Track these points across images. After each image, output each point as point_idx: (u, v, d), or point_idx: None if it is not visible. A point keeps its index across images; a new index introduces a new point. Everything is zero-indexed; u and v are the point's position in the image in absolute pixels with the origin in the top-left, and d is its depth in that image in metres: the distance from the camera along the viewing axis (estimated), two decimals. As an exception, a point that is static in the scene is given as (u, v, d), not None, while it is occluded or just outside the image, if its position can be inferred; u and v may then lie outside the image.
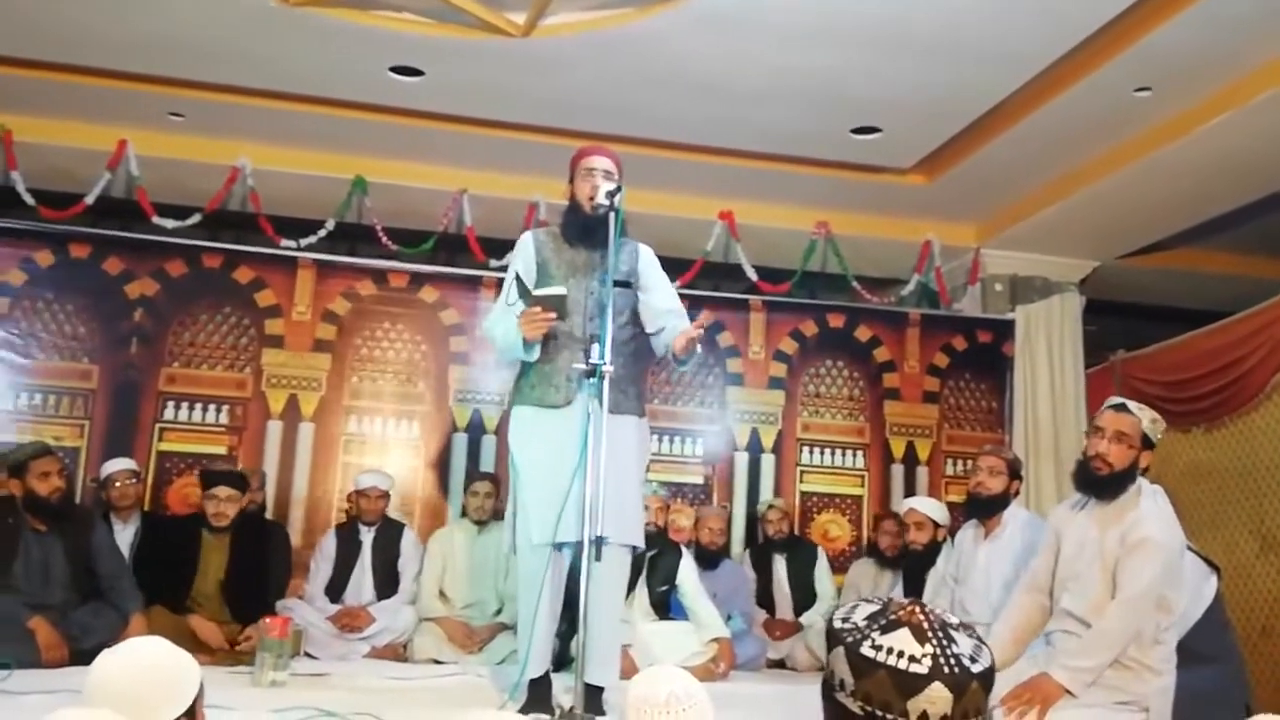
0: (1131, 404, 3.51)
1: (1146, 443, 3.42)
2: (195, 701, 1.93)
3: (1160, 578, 3.26)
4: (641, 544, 3.90)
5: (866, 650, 1.42)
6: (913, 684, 1.39)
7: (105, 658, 1.94)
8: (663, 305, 3.88)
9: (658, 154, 6.01)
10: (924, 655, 1.41)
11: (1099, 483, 3.43)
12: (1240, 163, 5.56)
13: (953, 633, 1.46)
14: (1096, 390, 6.88)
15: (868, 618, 1.48)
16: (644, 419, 3.90)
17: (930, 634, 1.44)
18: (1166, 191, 5.99)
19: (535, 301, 3.56)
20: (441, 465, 6.37)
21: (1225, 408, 5.84)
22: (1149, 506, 3.37)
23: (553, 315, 3.57)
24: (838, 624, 1.48)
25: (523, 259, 3.82)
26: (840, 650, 1.43)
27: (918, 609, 1.47)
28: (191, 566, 5.05)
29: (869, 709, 1.40)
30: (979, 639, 1.48)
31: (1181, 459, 6.04)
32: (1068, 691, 3.21)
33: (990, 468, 4.67)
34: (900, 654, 1.41)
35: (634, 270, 3.87)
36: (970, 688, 1.41)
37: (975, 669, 1.42)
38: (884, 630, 1.44)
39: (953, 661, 1.41)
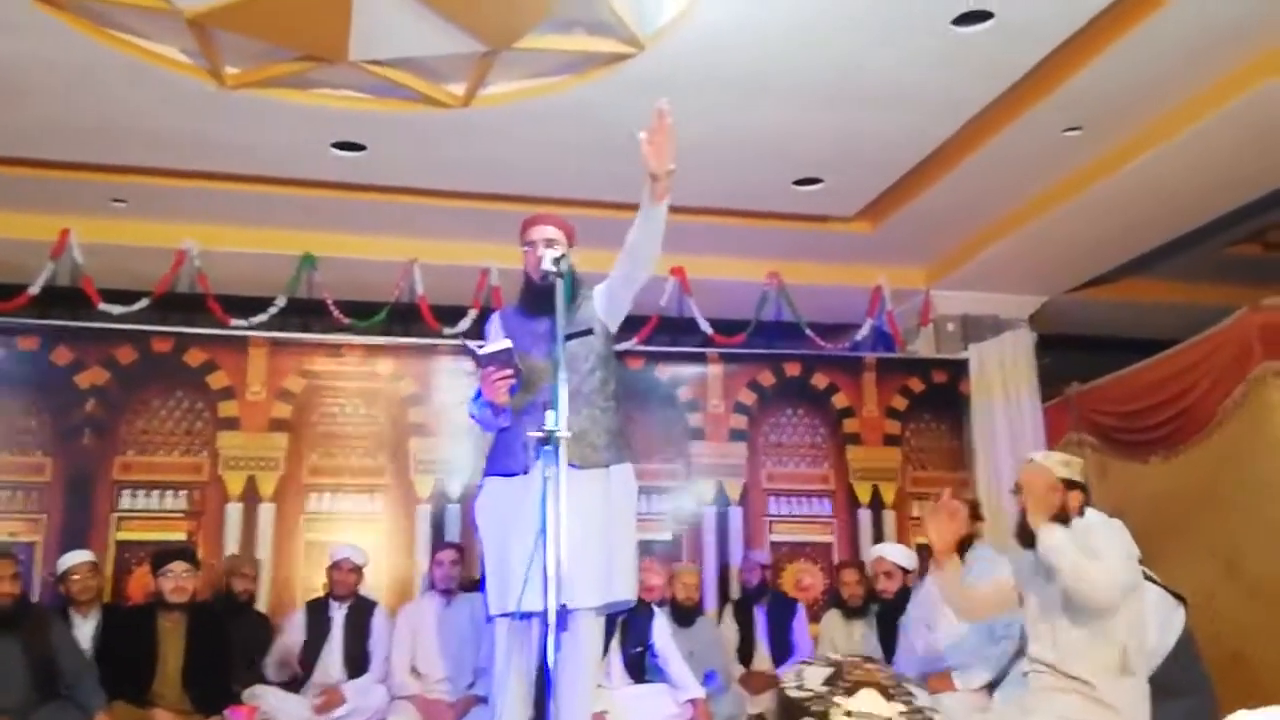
0: (1038, 454, 3.67)
1: (1071, 485, 3.50)
2: None
3: (1127, 551, 3.36)
4: (630, 599, 3.81)
5: (837, 717, 1.39)
6: None
7: None
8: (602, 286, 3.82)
9: (604, 214, 6.03)
10: (897, 714, 1.39)
11: (1028, 531, 3.52)
12: (1174, 194, 5.68)
13: (908, 687, 1.45)
14: (1055, 424, 6.94)
15: (825, 682, 1.46)
16: (623, 465, 3.76)
17: (893, 690, 1.43)
18: (1106, 225, 6.11)
19: (486, 362, 3.55)
20: (406, 537, 6.30)
21: (1181, 435, 5.89)
22: (1098, 528, 3.45)
23: (508, 373, 3.54)
24: (794, 693, 1.46)
25: (493, 338, 3.84)
26: None
27: (871, 666, 1.46)
28: (151, 657, 4.94)
29: None
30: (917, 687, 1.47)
31: (1142, 489, 6.08)
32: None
33: (950, 510, 4.67)
34: (872, 715, 1.40)
35: (592, 316, 3.85)
36: None
37: (938, 719, 1.42)
38: (848, 693, 1.43)
39: (921, 716, 1.40)
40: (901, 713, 1.16)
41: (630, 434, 3.91)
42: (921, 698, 1.17)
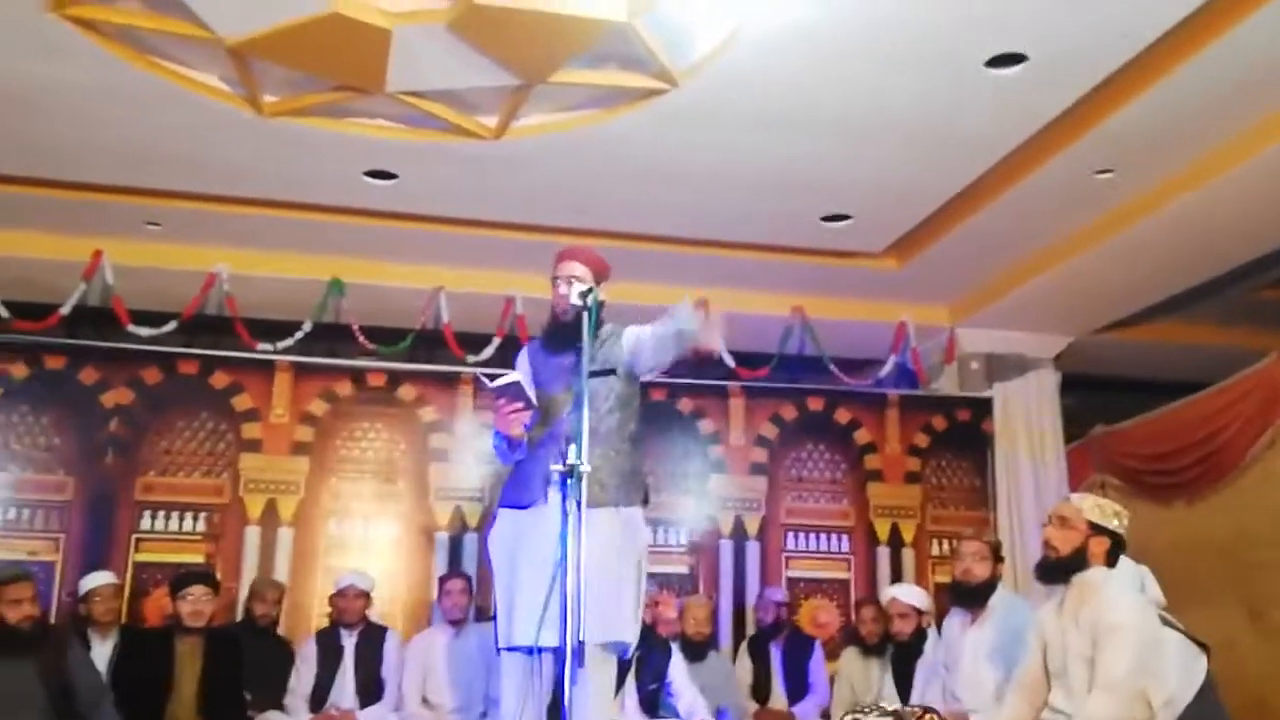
0: (1076, 494, 3.79)
1: (1097, 529, 3.49)
2: None
3: (1135, 662, 3.28)
4: (627, 640, 3.79)
5: None
6: None
7: None
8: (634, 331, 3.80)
9: (632, 245, 6.07)
10: None
11: (1045, 567, 3.57)
12: (1205, 238, 5.65)
13: None
14: (1078, 466, 6.90)
15: None
16: (631, 508, 3.74)
17: None
18: (1135, 268, 6.08)
19: (497, 395, 3.55)
20: (423, 565, 6.29)
21: (1205, 480, 5.86)
22: (1116, 593, 3.41)
23: (519, 405, 3.55)
24: None
25: (520, 370, 3.85)
26: None
27: (932, 717, 1.43)
28: (167, 680, 4.94)
29: None
30: None
31: (1165, 533, 6.02)
32: None
33: (975, 553, 4.66)
34: None
35: (616, 355, 3.85)
36: None
37: None
38: None
39: None
40: None
41: (644, 478, 3.83)
42: None
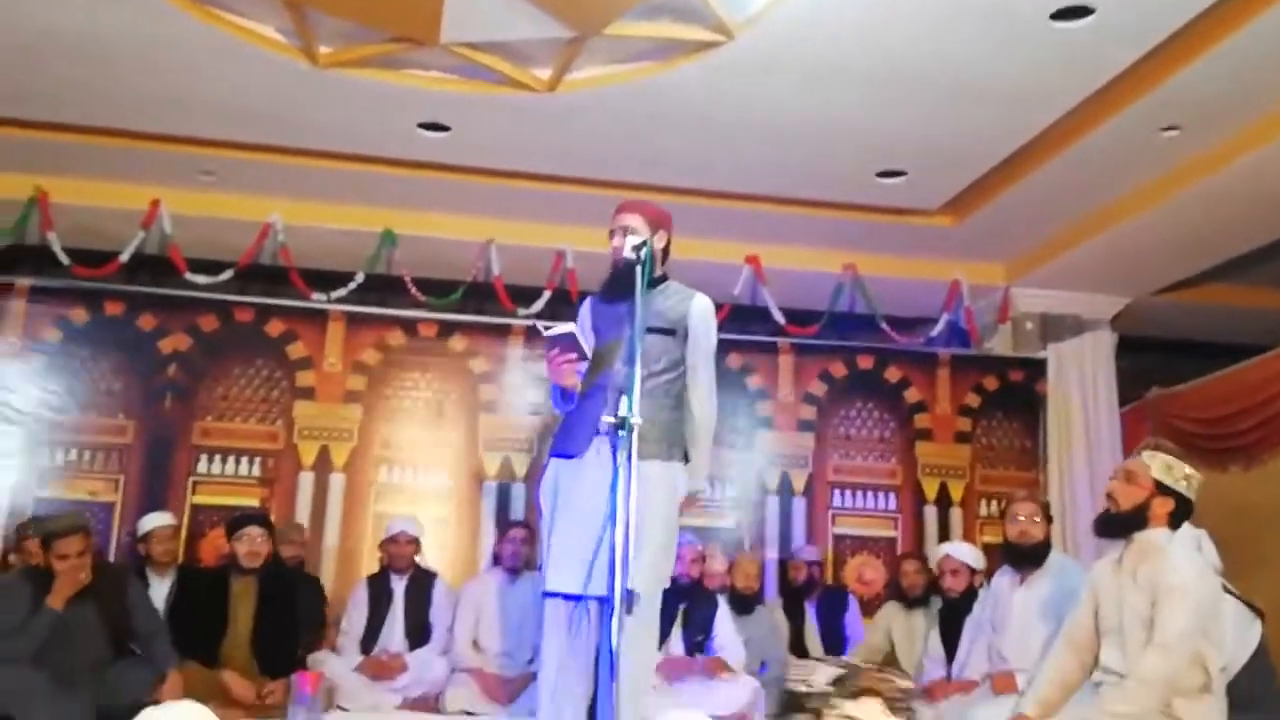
0: (1148, 450, 3.52)
1: (1164, 489, 3.40)
2: None
3: (1193, 624, 3.22)
4: (637, 589, 3.80)
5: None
6: None
7: (149, 717, 1.95)
8: (691, 395, 3.86)
9: (684, 200, 6.04)
10: None
11: (1104, 520, 3.50)
12: (1271, 198, 5.52)
13: (914, 703, 1.41)
14: (1132, 428, 6.80)
15: (833, 682, 1.41)
16: (672, 463, 3.78)
17: (899, 705, 1.39)
18: (1198, 228, 5.95)
19: (550, 345, 3.57)
20: (472, 513, 6.37)
21: (1264, 445, 5.76)
22: (1178, 554, 3.34)
23: (573, 356, 3.57)
24: (797, 688, 1.41)
25: (580, 323, 3.87)
26: (804, 718, 1.37)
27: (884, 678, 1.42)
28: (222, 619, 5.05)
29: None
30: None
31: (1220, 498, 5.92)
32: None
33: (1030, 514, 4.63)
34: None
35: (682, 320, 3.85)
36: None
37: None
38: (851, 697, 1.38)
39: None
40: None
41: (684, 437, 3.86)
42: (923, 715, 1.13)
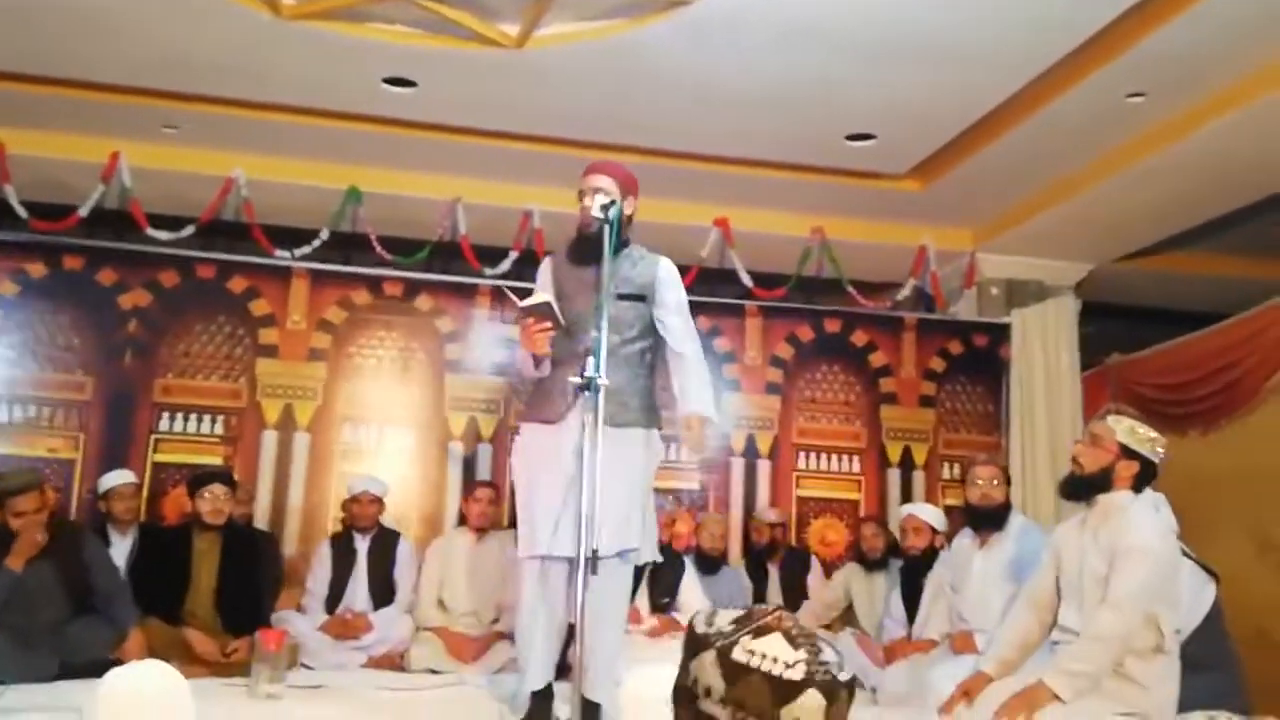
0: (1114, 413, 3.55)
1: (1129, 452, 3.42)
2: None
3: (1150, 584, 3.26)
4: (646, 554, 3.89)
5: (739, 655, 1.36)
6: (788, 690, 1.34)
7: (116, 680, 1.93)
8: (673, 341, 3.90)
9: (652, 161, 6.01)
10: (797, 661, 1.36)
11: (1069, 482, 3.53)
12: (1236, 166, 5.56)
13: (819, 642, 1.42)
14: (1093, 393, 6.88)
15: (733, 622, 1.42)
16: (652, 430, 3.87)
17: (801, 640, 1.40)
18: (1162, 195, 6.00)
19: (524, 314, 3.58)
20: (437, 474, 6.35)
21: (1221, 411, 5.84)
22: (1139, 516, 3.38)
23: (548, 325, 3.58)
24: (702, 629, 1.42)
25: (542, 283, 3.87)
26: (710, 655, 1.37)
27: (784, 616, 1.44)
28: (184, 576, 5.02)
29: (740, 715, 1.35)
30: (839, 651, 1.45)
31: (1177, 463, 5.97)
32: (1057, 697, 3.20)
33: (990, 477, 4.69)
34: (775, 659, 1.36)
35: (650, 284, 3.87)
36: (840, 696, 1.37)
37: (844, 678, 1.39)
38: (755, 635, 1.39)
39: (824, 669, 1.37)
40: (802, 661, 1.18)
41: (659, 402, 3.95)
42: (828, 652, 1.15)
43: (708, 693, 1.36)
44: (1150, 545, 3.28)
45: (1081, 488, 3.49)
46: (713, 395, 3.94)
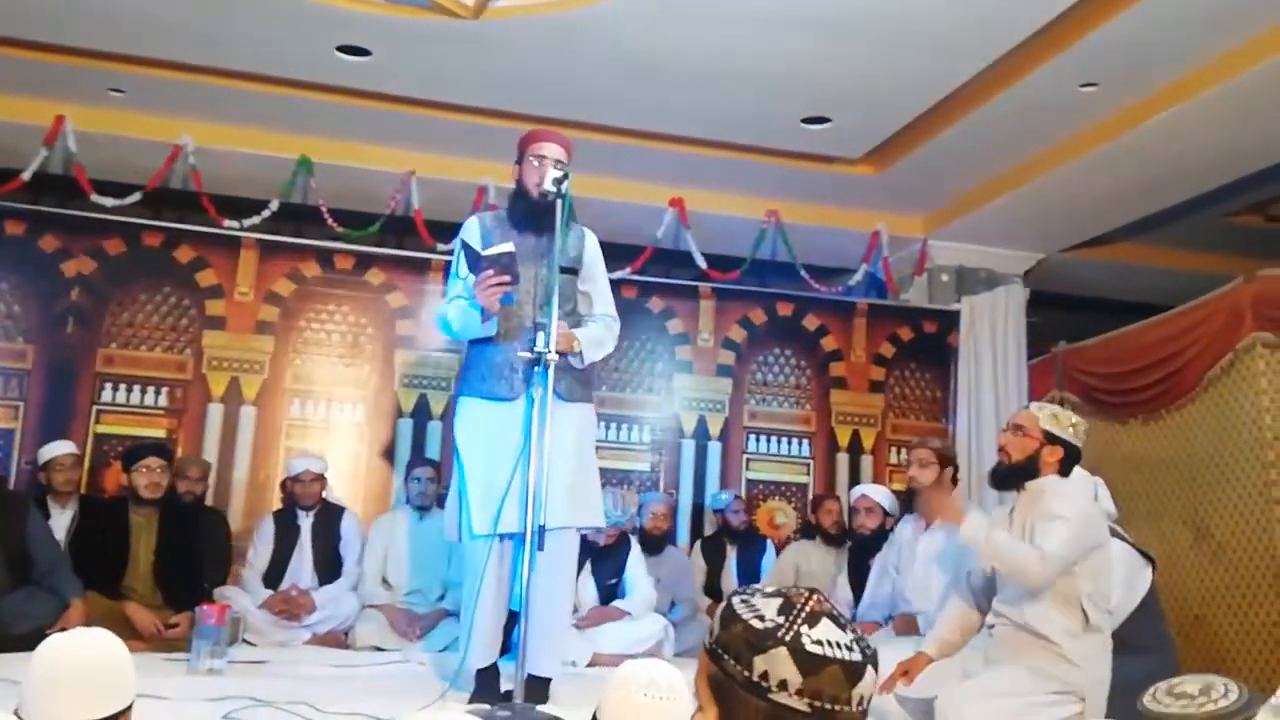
0: (1035, 403, 3.71)
1: (1052, 438, 3.51)
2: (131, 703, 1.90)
3: (1070, 548, 3.32)
4: (599, 523, 3.97)
5: (811, 648, 1.38)
6: (857, 672, 1.37)
7: (54, 644, 1.89)
8: (597, 307, 3.92)
9: (609, 139, 5.98)
10: (852, 643, 1.39)
11: (998, 473, 3.60)
12: (1182, 158, 5.65)
13: (843, 617, 1.45)
14: (1039, 381, 6.97)
15: (781, 612, 1.43)
16: (589, 405, 3.89)
17: (844, 620, 1.42)
18: (1111, 186, 6.08)
19: (486, 264, 3.49)
20: (386, 450, 6.30)
21: (1162, 400, 5.92)
22: (1064, 492, 3.46)
23: (506, 278, 3.50)
24: (759, 624, 1.42)
25: (469, 240, 3.77)
26: (782, 650, 1.38)
27: (821, 598, 1.45)
28: (123, 550, 4.95)
29: (818, 704, 1.36)
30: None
31: (1119, 450, 6.13)
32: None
33: (920, 459, 4.77)
34: (838, 644, 1.38)
35: (580, 257, 3.85)
36: (876, 666, 1.41)
37: (871, 650, 1.42)
38: (810, 624, 1.41)
39: (865, 645, 1.41)
40: (854, 641, 1.18)
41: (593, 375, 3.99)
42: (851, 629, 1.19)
43: (782, 685, 1.36)
44: (1073, 515, 3.37)
45: (1010, 476, 3.58)
46: (599, 352, 3.85)
